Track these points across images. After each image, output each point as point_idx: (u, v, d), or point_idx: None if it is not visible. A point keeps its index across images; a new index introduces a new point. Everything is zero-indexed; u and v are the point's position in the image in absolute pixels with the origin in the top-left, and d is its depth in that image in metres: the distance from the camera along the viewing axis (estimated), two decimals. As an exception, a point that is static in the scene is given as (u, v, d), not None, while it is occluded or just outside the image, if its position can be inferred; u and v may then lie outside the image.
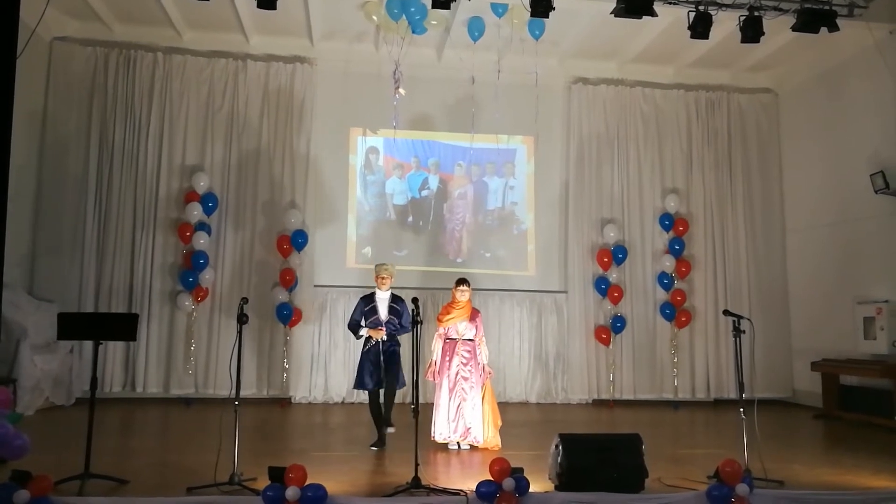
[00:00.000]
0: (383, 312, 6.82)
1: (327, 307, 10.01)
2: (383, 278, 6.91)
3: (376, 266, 7.10)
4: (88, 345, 8.47)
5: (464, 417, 6.63)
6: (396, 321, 6.82)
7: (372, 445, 6.57)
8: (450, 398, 6.67)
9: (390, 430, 6.66)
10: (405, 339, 6.89)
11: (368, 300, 6.92)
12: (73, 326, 5.49)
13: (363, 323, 6.82)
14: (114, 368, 9.38)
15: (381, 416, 6.69)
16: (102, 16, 9.43)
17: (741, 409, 5.41)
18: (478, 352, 6.85)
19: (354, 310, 6.97)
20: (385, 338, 6.75)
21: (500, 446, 6.64)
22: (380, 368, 6.68)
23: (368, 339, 6.80)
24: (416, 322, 5.45)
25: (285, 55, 10.26)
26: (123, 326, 5.56)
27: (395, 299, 6.92)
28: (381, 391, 6.74)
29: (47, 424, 7.52)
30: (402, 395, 6.99)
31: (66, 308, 8.73)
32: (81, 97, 9.71)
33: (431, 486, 4.95)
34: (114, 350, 9.32)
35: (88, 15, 9.40)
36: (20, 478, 4.41)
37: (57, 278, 9.29)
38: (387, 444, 6.56)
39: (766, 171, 10.97)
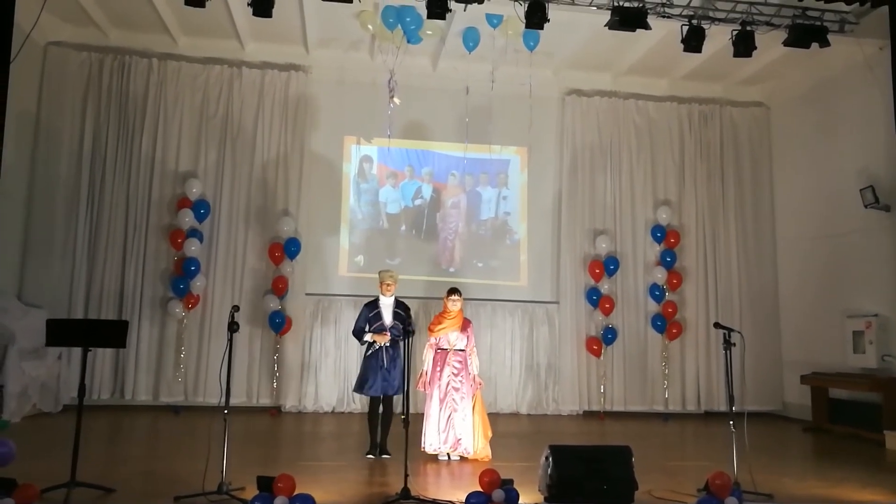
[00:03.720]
0: (388, 318, 6.87)
1: (319, 315, 9.98)
2: (388, 284, 6.94)
3: (380, 273, 7.11)
4: (77, 351, 8.32)
5: (454, 428, 6.60)
6: (401, 327, 6.79)
7: (367, 453, 6.61)
8: (440, 409, 6.65)
9: (385, 456, 6.61)
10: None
11: (372, 306, 6.94)
12: (63, 333, 5.45)
13: (367, 329, 6.85)
14: (103, 375, 9.30)
15: (377, 425, 6.69)
16: (98, 21, 9.42)
17: (731, 422, 5.42)
18: (469, 362, 6.83)
19: (359, 316, 7.00)
20: (389, 343, 6.78)
21: (490, 457, 6.62)
22: (383, 373, 6.70)
23: (372, 343, 6.83)
24: (406, 332, 5.49)
25: (280, 62, 10.27)
26: (113, 333, 5.51)
27: (400, 305, 6.96)
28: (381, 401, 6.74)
29: (34, 432, 7.46)
30: (394, 404, 6.97)
31: (56, 314, 8.69)
32: (75, 102, 9.67)
33: (421, 497, 4.93)
34: (103, 357, 9.25)
35: (84, 20, 9.38)
36: (5, 486, 4.38)
37: (47, 283, 9.22)
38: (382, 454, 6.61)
39: (758, 185, 11.04)
